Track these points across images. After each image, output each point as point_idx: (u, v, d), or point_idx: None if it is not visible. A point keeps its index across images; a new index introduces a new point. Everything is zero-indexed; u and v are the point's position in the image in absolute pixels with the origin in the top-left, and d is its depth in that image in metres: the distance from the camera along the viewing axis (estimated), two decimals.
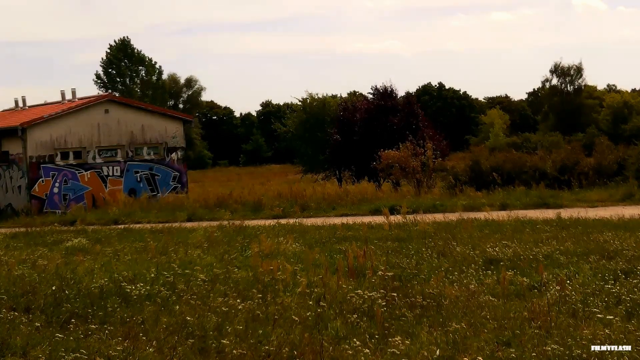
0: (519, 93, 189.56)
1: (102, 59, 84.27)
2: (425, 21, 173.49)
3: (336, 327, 8.02)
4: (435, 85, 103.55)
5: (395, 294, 9.20)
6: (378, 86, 44.72)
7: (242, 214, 25.33)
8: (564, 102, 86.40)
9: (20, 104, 41.16)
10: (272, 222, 21.08)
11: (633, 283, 9.41)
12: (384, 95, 43.33)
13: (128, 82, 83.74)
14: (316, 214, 24.91)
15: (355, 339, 7.41)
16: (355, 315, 8.41)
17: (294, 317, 8.35)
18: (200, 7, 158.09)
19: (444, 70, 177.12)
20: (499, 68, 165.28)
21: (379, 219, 19.79)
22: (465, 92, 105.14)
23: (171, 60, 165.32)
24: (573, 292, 9.03)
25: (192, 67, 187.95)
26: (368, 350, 7.13)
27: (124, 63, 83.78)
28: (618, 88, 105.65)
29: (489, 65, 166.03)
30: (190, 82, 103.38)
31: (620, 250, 12.03)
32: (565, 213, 18.52)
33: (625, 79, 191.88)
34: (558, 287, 9.24)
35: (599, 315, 7.89)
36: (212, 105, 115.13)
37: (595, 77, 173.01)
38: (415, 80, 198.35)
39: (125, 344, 7.61)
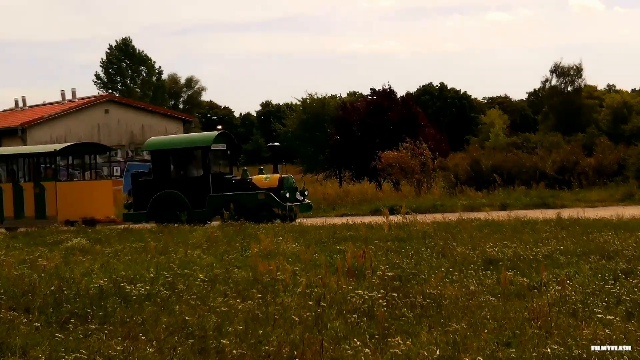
0: (519, 93, 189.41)
1: (102, 59, 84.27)
2: (422, 22, 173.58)
3: (336, 327, 8.02)
4: (437, 86, 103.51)
5: (395, 294, 9.19)
6: (377, 88, 44.77)
7: None
8: (564, 102, 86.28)
9: (20, 104, 41.22)
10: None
11: (633, 283, 9.40)
12: (383, 95, 43.33)
13: (128, 82, 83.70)
14: (316, 214, 24.91)
15: (355, 339, 7.41)
16: (355, 315, 8.41)
17: (294, 317, 8.34)
18: (200, 7, 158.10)
19: (443, 71, 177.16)
20: (499, 68, 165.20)
21: (378, 219, 19.78)
22: (465, 92, 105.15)
23: (171, 60, 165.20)
24: (573, 292, 9.02)
25: (192, 67, 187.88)
26: (368, 350, 7.13)
27: (124, 63, 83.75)
28: (617, 88, 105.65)
29: (489, 65, 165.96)
30: (190, 82, 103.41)
31: (620, 250, 12.02)
32: (565, 213, 18.51)
33: (624, 79, 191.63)
34: (558, 287, 9.23)
35: (599, 315, 7.88)
36: (212, 105, 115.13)
37: (595, 77, 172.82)
38: (414, 81, 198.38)
39: (125, 344, 7.61)
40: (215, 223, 21.93)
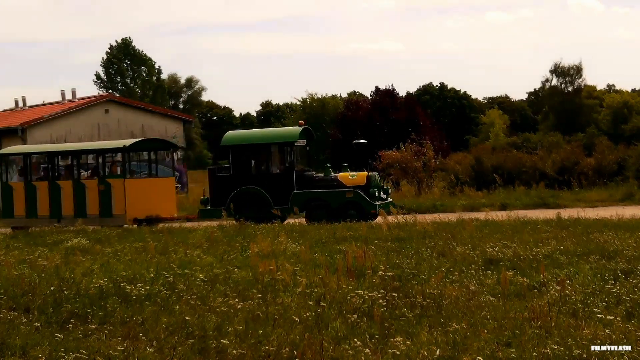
0: (519, 93, 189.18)
1: (103, 58, 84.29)
2: (422, 22, 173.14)
3: (336, 327, 8.02)
4: (437, 86, 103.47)
5: (395, 294, 9.20)
6: (381, 87, 44.96)
7: None
8: (564, 102, 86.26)
9: (20, 104, 41.18)
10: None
11: (633, 283, 9.41)
12: (386, 95, 43.45)
13: (128, 82, 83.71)
14: None
15: (355, 339, 7.41)
16: (355, 315, 8.41)
17: (294, 317, 8.35)
18: (200, 7, 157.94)
19: (443, 71, 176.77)
20: (499, 68, 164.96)
21: (378, 219, 19.79)
22: (465, 92, 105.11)
23: (171, 60, 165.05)
24: (573, 292, 9.02)
25: (192, 67, 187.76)
26: (368, 350, 7.13)
27: (125, 63, 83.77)
28: (617, 88, 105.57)
29: (489, 65, 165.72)
30: (190, 82, 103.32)
31: (620, 250, 12.03)
32: (565, 213, 18.52)
33: (624, 79, 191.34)
34: (558, 287, 9.23)
35: (599, 315, 7.89)
36: (212, 105, 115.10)
37: (595, 77, 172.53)
38: (414, 81, 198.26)
39: (125, 344, 7.61)
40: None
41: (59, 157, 25.74)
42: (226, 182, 22.72)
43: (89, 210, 23.85)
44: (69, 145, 28.59)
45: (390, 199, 22.97)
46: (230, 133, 24.63)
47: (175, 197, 25.60)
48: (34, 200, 24.68)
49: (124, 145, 24.29)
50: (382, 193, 22.45)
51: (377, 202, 21.58)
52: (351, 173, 22.54)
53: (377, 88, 45.49)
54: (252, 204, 22.00)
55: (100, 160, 25.05)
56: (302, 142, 23.22)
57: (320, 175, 22.84)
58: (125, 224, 22.68)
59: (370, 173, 22.48)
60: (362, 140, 24.77)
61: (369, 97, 46.69)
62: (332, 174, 22.69)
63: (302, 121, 24.67)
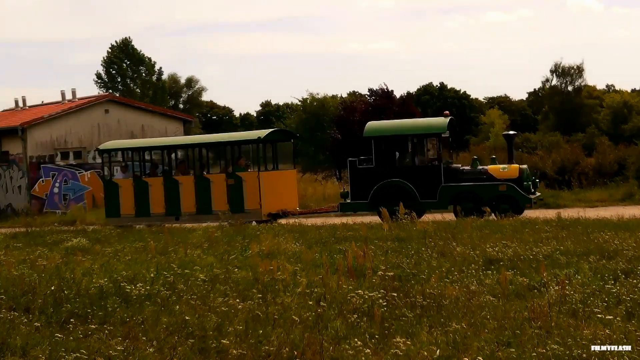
0: (519, 93, 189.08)
1: (103, 58, 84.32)
2: (422, 22, 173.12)
3: (336, 327, 8.02)
4: (437, 86, 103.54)
5: (395, 294, 9.20)
6: (375, 88, 44.77)
7: None
8: (564, 102, 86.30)
9: (20, 104, 41.19)
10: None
11: (633, 283, 9.41)
12: (381, 96, 43.33)
13: (128, 82, 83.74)
14: (316, 214, 24.89)
15: (355, 339, 7.41)
16: (355, 315, 8.41)
17: (294, 317, 8.35)
18: (200, 7, 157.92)
19: (443, 71, 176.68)
20: (499, 68, 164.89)
21: (378, 219, 19.79)
22: (465, 92, 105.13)
23: (171, 60, 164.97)
24: (573, 292, 9.03)
25: (192, 67, 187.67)
26: (368, 350, 7.13)
27: (124, 63, 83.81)
28: (617, 88, 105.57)
29: (489, 65, 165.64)
30: (190, 82, 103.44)
31: (620, 250, 12.02)
32: (566, 213, 18.52)
33: (624, 79, 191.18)
34: (558, 287, 9.23)
35: (599, 315, 7.89)
36: (211, 105, 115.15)
37: (595, 77, 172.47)
38: (414, 81, 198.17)
39: (125, 344, 7.61)
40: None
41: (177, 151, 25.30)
42: (368, 175, 21.80)
43: (214, 206, 22.99)
44: (192, 138, 27.91)
45: (538, 193, 22.28)
46: (373, 124, 23.55)
47: (297, 191, 25.04)
48: (145, 198, 23.80)
49: (259, 137, 23.45)
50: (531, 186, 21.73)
51: (531, 196, 20.99)
52: (502, 165, 21.73)
53: (370, 90, 45.32)
54: (396, 197, 20.91)
55: (231, 153, 24.36)
56: (447, 133, 22.50)
57: (467, 167, 22.19)
58: (260, 219, 22.13)
59: (521, 166, 21.73)
60: (512, 132, 23.91)
61: (367, 97, 46.53)
62: (480, 167, 22.00)
63: (447, 112, 23.93)
